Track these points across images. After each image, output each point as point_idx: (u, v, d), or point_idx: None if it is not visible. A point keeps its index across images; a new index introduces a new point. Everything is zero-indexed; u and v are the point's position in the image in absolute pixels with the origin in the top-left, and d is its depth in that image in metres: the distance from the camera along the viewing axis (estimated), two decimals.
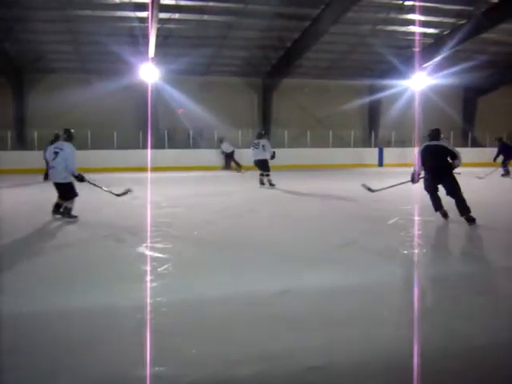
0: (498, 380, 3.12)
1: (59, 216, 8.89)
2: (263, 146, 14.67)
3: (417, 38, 22.51)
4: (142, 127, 23.11)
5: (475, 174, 16.81)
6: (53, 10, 18.59)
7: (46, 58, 23.53)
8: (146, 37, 19.15)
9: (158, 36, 19.17)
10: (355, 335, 3.73)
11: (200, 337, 3.71)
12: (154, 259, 5.89)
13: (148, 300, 4.43)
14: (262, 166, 14.74)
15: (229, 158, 23.19)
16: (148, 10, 17.66)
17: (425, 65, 23.41)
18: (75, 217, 8.85)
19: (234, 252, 6.47)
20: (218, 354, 3.41)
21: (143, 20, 18.99)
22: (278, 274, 5.36)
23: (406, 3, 19.21)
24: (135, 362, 3.28)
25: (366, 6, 18.77)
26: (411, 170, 9.08)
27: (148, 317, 4.03)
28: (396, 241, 7.01)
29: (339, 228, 8.33)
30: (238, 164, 22.68)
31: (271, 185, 14.65)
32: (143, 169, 18.22)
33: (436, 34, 22.59)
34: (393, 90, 27.00)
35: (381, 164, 25.76)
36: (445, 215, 8.58)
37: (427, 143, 8.74)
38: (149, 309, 4.22)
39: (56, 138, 16.62)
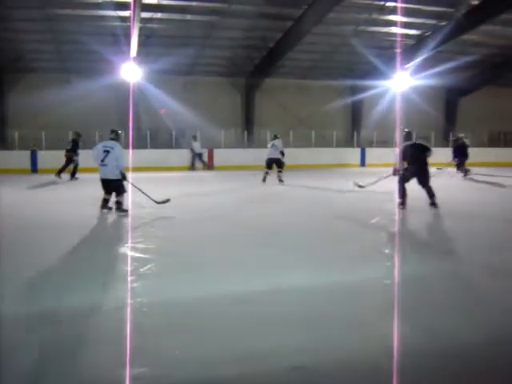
0: (479, 377, 3.14)
1: (106, 211, 9.61)
2: (275, 145, 16.45)
3: (398, 38, 22.64)
4: (124, 127, 22.91)
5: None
6: (33, 9, 18.38)
7: (26, 58, 23.27)
8: (127, 36, 19.01)
9: (140, 35, 19.05)
10: (339, 335, 3.74)
11: (182, 337, 3.69)
12: (135, 259, 5.85)
13: (130, 300, 4.40)
14: (276, 163, 16.36)
15: (197, 158, 23.09)
16: (130, 9, 17.56)
17: (406, 66, 23.55)
18: (126, 210, 9.46)
19: (217, 252, 6.45)
20: (200, 354, 3.39)
21: (125, 19, 18.86)
22: (262, 274, 5.36)
23: (388, 4, 19.32)
24: (117, 362, 3.25)
25: (348, 6, 18.84)
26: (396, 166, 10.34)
27: (130, 317, 4.00)
28: (377, 240, 7.05)
29: (321, 227, 8.36)
30: (204, 163, 22.85)
31: (280, 181, 16.04)
32: (125, 169, 18.06)
33: (417, 35, 22.75)
34: (375, 91, 27.13)
35: (363, 164, 25.87)
36: (403, 204, 9.96)
37: (410, 142, 10.30)
38: (131, 309, 4.19)
39: (77, 137, 17.61)
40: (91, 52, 21.25)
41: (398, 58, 23.19)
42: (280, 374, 3.13)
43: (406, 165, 10.13)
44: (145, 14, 18.36)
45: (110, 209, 9.69)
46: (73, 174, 17.42)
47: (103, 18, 19.20)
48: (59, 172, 17.47)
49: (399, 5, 19.03)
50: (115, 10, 18.38)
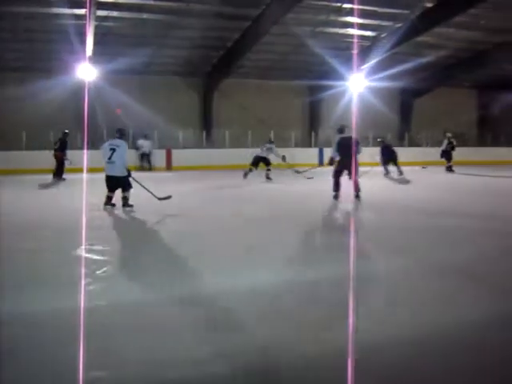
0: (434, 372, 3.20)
1: (110, 207, 10.02)
2: (269, 148, 17.24)
3: (355, 40, 22.94)
4: (80, 127, 22.51)
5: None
6: None
7: None
8: (83, 35, 18.69)
9: (95, 34, 18.77)
10: (291, 335, 3.75)
11: (140, 339, 3.65)
12: (92, 262, 5.76)
13: (86, 304, 4.32)
14: (264, 161, 17.04)
15: (145, 157, 22.81)
16: (85, 8, 17.29)
17: (363, 67, 23.91)
18: (132, 205, 9.99)
19: (173, 253, 6.41)
20: (159, 356, 3.36)
21: (80, 17, 18.52)
22: (215, 275, 5.35)
23: (345, 6, 19.55)
24: (74, 366, 3.19)
25: (305, 7, 18.98)
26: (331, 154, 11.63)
27: (85, 321, 3.93)
28: (334, 238, 7.12)
29: (277, 226, 8.39)
30: (150, 165, 22.61)
31: (268, 178, 16.72)
32: (81, 169, 17.79)
33: (373, 37, 23.09)
34: (333, 91, 27.43)
35: (321, 163, 26.09)
36: (336, 197, 11.07)
37: (344, 135, 11.44)
38: (87, 312, 4.12)
39: (63, 136, 17.64)
40: (46, 51, 20.87)
41: (354, 59, 23.49)
42: (234, 375, 3.13)
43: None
44: (100, 12, 18.10)
45: (114, 205, 10.10)
46: (60, 175, 17.25)
47: (58, 15, 18.74)
48: (59, 175, 17.21)
49: (356, 6, 19.28)
50: (70, 7, 18.01)
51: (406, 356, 3.36)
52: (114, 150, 9.98)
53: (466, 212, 9.72)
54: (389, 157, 18.61)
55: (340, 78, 24.35)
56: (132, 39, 21.60)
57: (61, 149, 17.24)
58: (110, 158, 9.95)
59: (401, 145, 28.55)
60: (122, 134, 10.59)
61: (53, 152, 17.36)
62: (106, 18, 19.15)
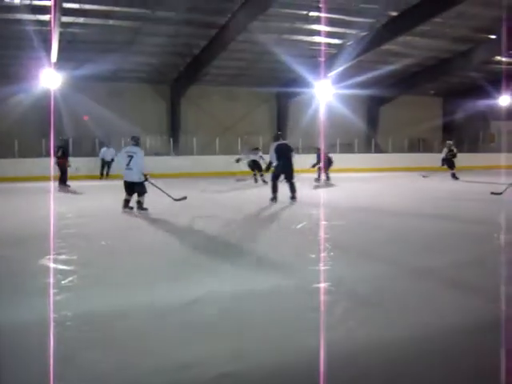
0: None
1: (128, 210, 10.66)
2: (260, 156, 19.14)
3: (322, 48, 23.14)
4: (45, 135, 22.13)
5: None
6: None
7: None
8: (47, 41, 18.41)
9: (60, 40, 18.48)
10: (265, 340, 3.73)
11: (108, 350, 3.57)
12: (58, 271, 5.63)
13: (52, 314, 4.21)
14: (257, 165, 18.98)
15: (106, 165, 22.23)
16: (50, 14, 17.03)
17: (329, 74, 24.13)
18: (146, 209, 10.60)
19: (142, 261, 6.31)
20: (126, 366, 3.29)
21: (45, 23, 18.25)
22: (187, 282, 5.31)
23: (311, 14, 19.70)
24: (41, 379, 3.10)
25: (271, 15, 19.06)
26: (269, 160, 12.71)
27: (53, 331, 3.83)
28: (304, 245, 7.12)
29: (247, 233, 8.37)
30: (107, 173, 22.04)
31: (264, 181, 18.13)
32: (46, 178, 17.49)
33: (340, 45, 23.32)
34: (300, 98, 27.73)
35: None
36: (275, 199, 11.91)
37: (280, 142, 12.49)
38: (53, 323, 4.01)
39: (62, 143, 17.70)
40: (8, 57, 20.48)
41: (321, 67, 23.69)
42: (208, 383, 3.09)
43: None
44: (66, 19, 17.87)
45: (132, 208, 10.73)
46: (64, 181, 17.13)
47: (20, 21, 18.36)
48: (63, 182, 17.09)
49: (322, 14, 19.45)
50: (34, 13, 17.72)
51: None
52: (131, 156, 10.51)
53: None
54: (324, 163, 19.26)
55: (307, 85, 24.55)
56: (98, 46, 21.36)
57: (63, 156, 17.19)
58: (128, 165, 10.48)
59: (368, 151, 28.97)
60: (137, 141, 11.05)
61: (55, 160, 17.25)
62: (71, 25, 18.90)
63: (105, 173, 21.99)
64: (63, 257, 6.37)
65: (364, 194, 15.07)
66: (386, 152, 29.28)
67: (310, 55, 24.02)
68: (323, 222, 9.08)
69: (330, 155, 19.88)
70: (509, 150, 27.32)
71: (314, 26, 21.02)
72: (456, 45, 24.20)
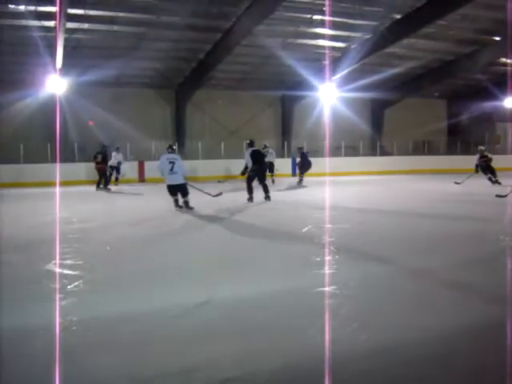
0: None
1: (178, 208, 11.70)
2: (269, 152, 19.90)
3: (326, 51, 23.19)
4: (51, 140, 22.22)
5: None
6: None
7: None
8: (52, 47, 18.51)
9: (65, 46, 18.55)
10: (270, 344, 3.73)
11: (115, 355, 3.58)
12: (63, 276, 5.65)
13: (58, 319, 4.23)
14: (269, 167, 18.93)
15: (115, 170, 21.65)
16: (55, 20, 17.12)
17: (334, 77, 24.15)
18: (193, 208, 11.55)
19: (148, 266, 6.33)
20: (131, 370, 3.30)
21: (50, 29, 18.36)
22: (193, 286, 5.29)
23: (315, 17, 19.74)
24: (46, 383, 3.12)
25: (276, 19, 19.12)
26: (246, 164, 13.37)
27: (59, 336, 3.85)
28: (309, 248, 7.12)
29: (253, 237, 8.37)
30: (117, 178, 21.23)
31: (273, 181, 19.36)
32: (52, 183, 17.56)
33: (344, 48, 23.34)
34: (305, 102, 27.75)
35: (294, 174, 26.17)
36: (251, 199, 13.00)
37: (254, 148, 13.40)
38: (59, 328, 4.03)
39: (103, 149, 18.96)
40: (14, 62, 20.58)
41: (325, 70, 23.72)
42: None
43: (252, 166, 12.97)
44: (70, 25, 17.96)
45: (181, 207, 11.68)
46: (106, 184, 18.57)
47: (26, 28, 18.50)
48: (105, 185, 18.49)
49: (326, 18, 19.49)
50: (39, 19, 17.84)
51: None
52: (173, 162, 11.57)
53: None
54: (304, 165, 19.78)
55: (312, 88, 24.59)
56: (103, 51, 21.47)
57: (103, 161, 18.44)
58: (171, 170, 11.51)
59: (373, 154, 28.97)
60: (173, 148, 12.51)
61: (94, 165, 18.57)
62: (76, 31, 19.01)
63: (113, 178, 21.36)
64: (69, 262, 6.38)
65: (369, 197, 15.06)
66: (390, 154, 29.28)
67: (315, 58, 24.07)
68: (328, 225, 9.07)
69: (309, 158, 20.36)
70: None
71: (319, 30, 21.08)
72: (460, 47, 24.21)
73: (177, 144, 21.29)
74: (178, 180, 11.59)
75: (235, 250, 7.32)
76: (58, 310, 4.46)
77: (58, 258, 6.59)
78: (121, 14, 18.44)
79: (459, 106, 32.07)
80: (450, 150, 31.09)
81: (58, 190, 15.19)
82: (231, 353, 3.56)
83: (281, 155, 27.76)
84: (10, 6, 16.92)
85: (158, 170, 11.84)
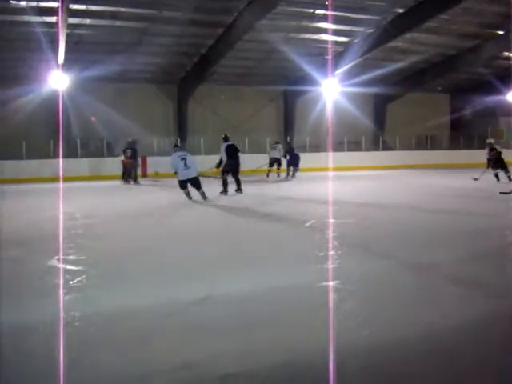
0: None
1: (190, 199, 12.61)
2: (278, 148, 20.81)
3: (328, 45, 23.13)
4: (53, 136, 22.22)
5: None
6: None
7: None
8: (54, 42, 18.49)
9: (67, 42, 18.57)
10: (273, 339, 3.72)
11: (116, 349, 3.58)
12: (66, 272, 5.65)
13: (61, 314, 4.23)
14: (277, 162, 20.63)
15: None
16: (56, 15, 17.10)
17: (336, 72, 24.09)
18: (207, 197, 12.47)
19: (151, 262, 6.32)
20: (134, 366, 3.30)
21: (52, 25, 18.34)
22: (197, 281, 5.28)
23: (317, 12, 19.68)
24: (47, 379, 3.11)
25: (278, 14, 19.08)
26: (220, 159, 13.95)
27: (61, 332, 3.84)
28: (312, 243, 7.11)
29: (255, 231, 8.36)
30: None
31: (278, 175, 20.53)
32: (55, 179, 17.56)
33: (346, 42, 23.28)
34: (307, 97, 27.67)
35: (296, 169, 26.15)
36: (225, 192, 13.54)
37: (229, 143, 14.06)
38: (62, 323, 4.03)
39: (133, 144, 19.23)
40: (16, 58, 20.56)
41: (328, 65, 23.67)
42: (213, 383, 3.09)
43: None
44: (72, 20, 17.96)
45: (191, 198, 12.61)
46: (135, 179, 18.92)
47: (28, 23, 18.48)
48: (134, 180, 18.85)
49: (328, 12, 19.44)
50: (41, 15, 17.81)
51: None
52: (184, 158, 12.46)
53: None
54: (292, 159, 20.43)
55: (314, 83, 24.53)
56: (105, 46, 21.45)
57: (133, 156, 18.69)
58: (185, 165, 12.35)
59: (375, 149, 28.92)
60: (179, 146, 13.94)
61: (122, 159, 18.80)
62: (78, 26, 18.98)
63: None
64: (72, 257, 6.38)
65: (372, 191, 15.04)
66: (393, 149, 29.22)
67: (317, 53, 24.00)
68: (331, 220, 9.06)
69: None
70: None
71: (321, 24, 21.04)
72: (463, 41, 24.13)
73: (179, 140, 21.33)
74: (192, 174, 12.46)
75: (237, 245, 7.31)
76: (61, 305, 4.45)
77: (61, 253, 6.59)
78: (122, 9, 18.42)
79: (462, 100, 31.97)
80: (453, 145, 31.01)
81: (61, 185, 15.19)
82: (232, 349, 3.55)
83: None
84: (11, 1, 16.93)
85: (172, 167, 12.68)
